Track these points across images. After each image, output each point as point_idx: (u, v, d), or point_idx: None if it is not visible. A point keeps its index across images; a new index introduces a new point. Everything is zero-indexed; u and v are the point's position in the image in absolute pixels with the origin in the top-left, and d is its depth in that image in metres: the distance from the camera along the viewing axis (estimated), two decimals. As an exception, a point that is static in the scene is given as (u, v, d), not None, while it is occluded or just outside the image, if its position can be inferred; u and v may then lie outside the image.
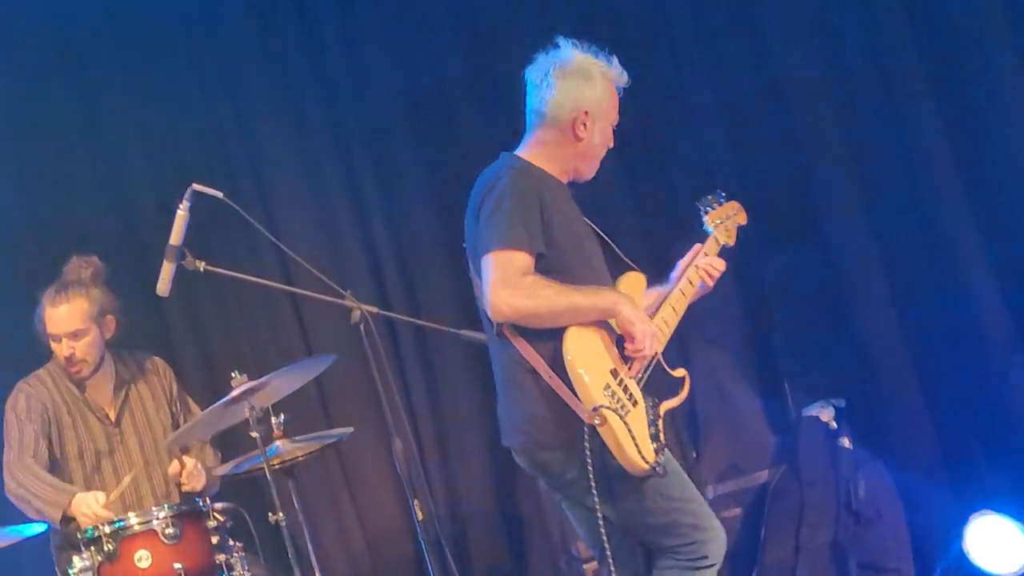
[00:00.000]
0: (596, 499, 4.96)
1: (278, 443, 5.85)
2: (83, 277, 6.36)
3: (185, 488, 6.34)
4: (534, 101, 5.26)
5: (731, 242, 5.71)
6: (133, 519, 5.83)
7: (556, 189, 5.19)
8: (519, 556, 7.55)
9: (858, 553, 6.92)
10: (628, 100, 5.34)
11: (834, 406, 7.12)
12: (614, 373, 5.05)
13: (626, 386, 5.06)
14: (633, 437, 4.93)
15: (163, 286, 5.59)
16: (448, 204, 7.58)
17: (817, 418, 7.10)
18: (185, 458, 6.39)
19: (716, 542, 5.14)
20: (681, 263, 5.53)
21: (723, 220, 5.71)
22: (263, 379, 5.75)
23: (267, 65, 7.64)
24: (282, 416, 5.88)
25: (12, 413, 6.35)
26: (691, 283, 5.47)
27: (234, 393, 5.72)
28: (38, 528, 5.92)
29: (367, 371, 5.62)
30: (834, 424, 7.07)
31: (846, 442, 7.04)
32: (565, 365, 4.96)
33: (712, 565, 5.13)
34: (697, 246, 5.56)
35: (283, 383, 5.89)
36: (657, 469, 4.98)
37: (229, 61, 7.60)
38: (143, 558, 5.77)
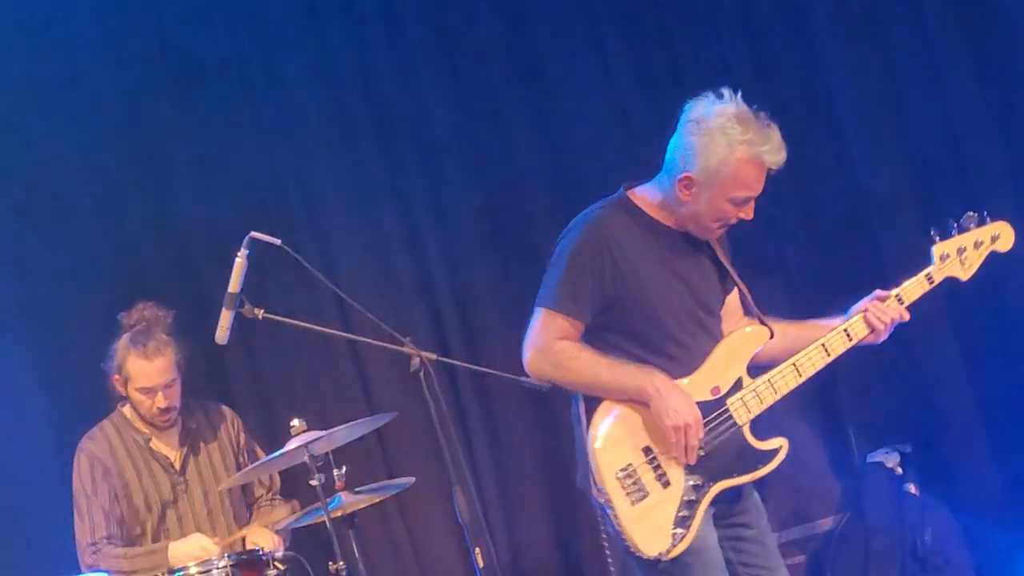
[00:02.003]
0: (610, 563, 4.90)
1: (340, 495, 5.81)
2: (162, 324, 6.35)
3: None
4: (670, 140, 5.03)
5: (964, 276, 5.35)
6: (193, 568, 5.80)
7: (650, 240, 5.01)
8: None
9: (925, 601, 6.84)
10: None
11: (899, 452, 7.03)
12: (647, 451, 4.91)
13: (659, 465, 4.91)
14: (630, 530, 4.82)
15: (221, 334, 5.57)
16: (507, 248, 7.57)
17: (882, 464, 7.02)
18: (256, 535, 6.35)
19: None
20: (859, 304, 5.25)
21: (958, 251, 5.32)
22: (323, 433, 5.71)
23: (324, 110, 7.63)
24: (344, 468, 5.83)
25: (79, 483, 6.34)
26: (848, 338, 5.17)
27: (292, 445, 5.69)
28: (98, 576, 5.91)
29: (427, 419, 5.58)
30: (899, 470, 6.99)
31: (912, 488, 6.95)
32: (587, 437, 4.91)
33: None
34: (877, 293, 5.25)
35: (343, 434, 5.86)
36: (660, 563, 4.84)
37: (286, 107, 7.59)
38: (204, 607, 5.73)
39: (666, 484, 4.90)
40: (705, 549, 4.94)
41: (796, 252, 7.61)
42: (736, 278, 5.17)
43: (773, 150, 4.89)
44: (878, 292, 5.25)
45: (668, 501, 4.89)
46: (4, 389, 6.92)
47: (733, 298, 5.23)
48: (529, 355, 4.99)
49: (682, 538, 4.86)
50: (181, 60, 7.48)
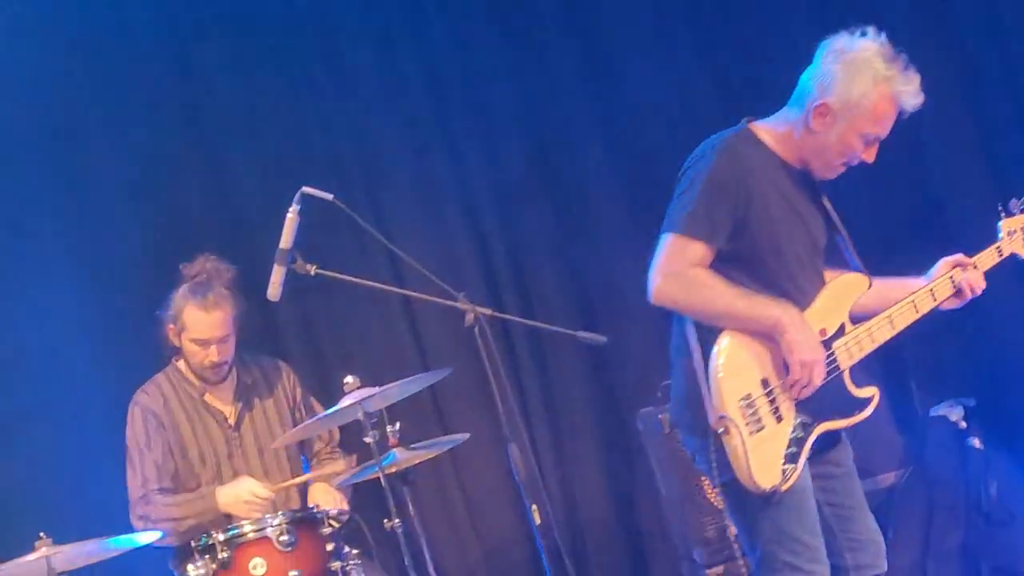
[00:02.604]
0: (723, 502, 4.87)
1: (394, 451, 5.77)
2: (222, 278, 6.32)
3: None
4: (804, 73, 4.97)
5: None
6: (247, 526, 5.77)
7: (772, 173, 4.94)
8: (639, 562, 7.44)
9: (990, 556, 6.76)
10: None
11: (963, 405, 6.95)
12: (765, 383, 4.85)
13: (775, 399, 4.86)
14: (749, 458, 4.75)
15: (274, 290, 5.53)
16: (561, 202, 7.51)
17: (945, 418, 6.94)
18: (322, 496, 6.33)
19: None
20: (940, 265, 5.23)
21: (1023, 228, 5.35)
22: (377, 389, 5.67)
23: (376, 65, 7.58)
24: (397, 424, 5.80)
25: (132, 436, 6.34)
26: (932, 297, 5.17)
27: (345, 402, 5.65)
28: (152, 536, 5.88)
29: (481, 374, 5.53)
30: (963, 424, 6.91)
31: (976, 442, 6.87)
32: (710, 362, 4.81)
33: None
34: (959, 257, 5.23)
35: (397, 390, 5.82)
36: (774, 496, 4.80)
37: (337, 60, 7.55)
38: (258, 566, 5.70)
39: (779, 419, 4.86)
40: (802, 490, 4.91)
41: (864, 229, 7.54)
42: (840, 226, 5.11)
43: (913, 93, 4.87)
44: (960, 257, 5.23)
45: (779, 436, 4.86)
46: (59, 344, 6.93)
47: (834, 245, 5.18)
48: (659, 281, 4.86)
49: (792, 474, 4.83)
50: (232, 19, 7.45)
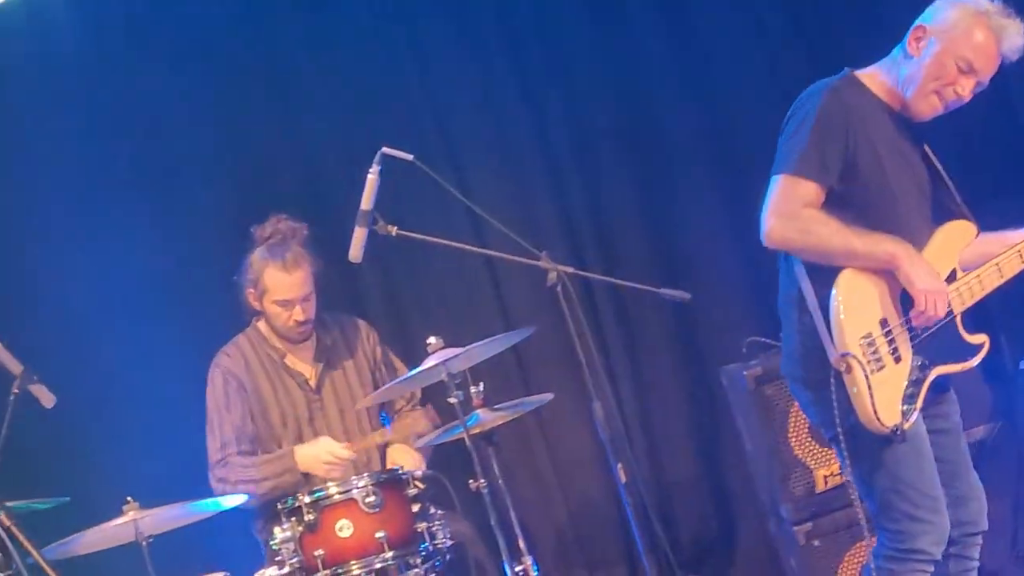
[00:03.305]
0: (843, 451, 4.85)
1: (478, 412, 5.76)
2: (298, 237, 6.31)
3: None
4: None
5: None
6: (333, 488, 5.77)
7: (877, 116, 4.95)
8: (725, 519, 7.40)
9: (1080, 510, 6.67)
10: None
11: (1054, 359, 6.87)
12: (883, 323, 4.87)
13: (893, 339, 4.87)
14: (872, 395, 4.75)
15: (355, 252, 5.53)
16: (642, 158, 7.45)
17: (1035, 370, 6.85)
18: (401, 456, 6.33)
19: (930, 536, 4.91)
20: None
21: None
22: (460, 350, 5.65)
23: (455, 23, 7.53)
24: (481, 385, 5.78)
25: (212, 398, 6.36)
26: None
27: (429, 363, 5.64)
28: (238, 500, 5.90)
29: (565, 334, 5.50)
30: (1054, 377, 6.82)
31: (1066, 395, 6.78)
32: (830, 302, 4.81)
33: (922, 559, 4.92)
34: None
35: (480, 350, 5.80)
36: (896, 434, 4.78)
37: (415, 20, 7.50)
38: (344, 527, 5.70)
39: (898, 359, 4.89)
40: (919, 437, 4.92)
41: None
42: (945, 175, 5.09)
43: (1011, 34, 4.87)
44: None
45: (899, 376, 4.88)
46: (140, 309, 6.96)
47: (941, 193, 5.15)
48: (772, 222, 4.87)
49: (911, 414, 4.85)
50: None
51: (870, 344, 4.82)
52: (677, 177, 7.52)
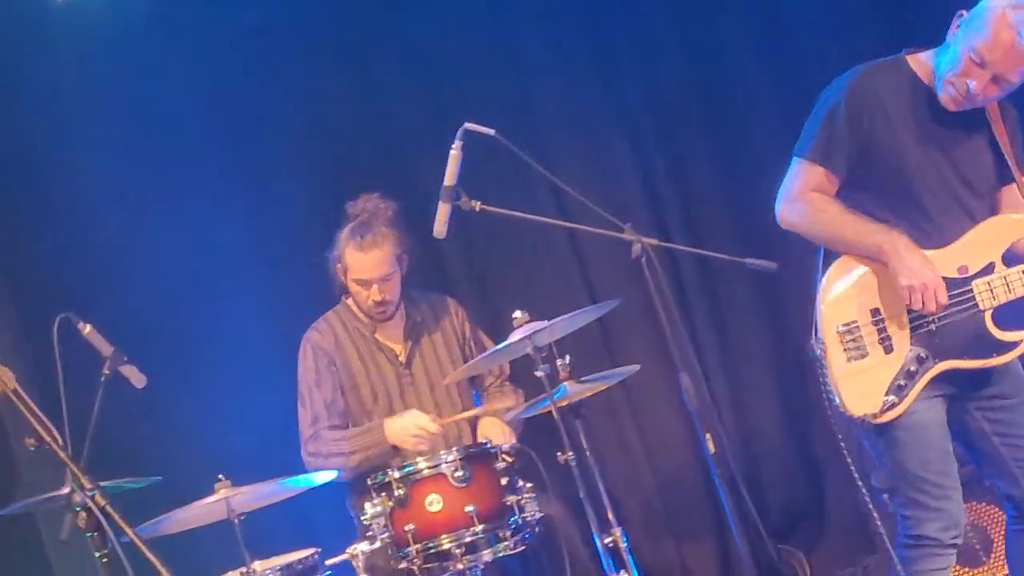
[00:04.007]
0: (835, 427, 5.04)
1: (565, 385, 5.76)
2: (383, 217, 6.34)
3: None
4: None
5: None
6: (422, 463, 5.79)
7: (913, 102, 4.94)
8: (814, 488, 7.37)
9: None
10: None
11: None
12: (875, 313, 4.91)
13: (884, 330, 4.90)
14: (838, 383, 4.86)
15: (439, 227, 5.53)
16: (724, 127, 7.41)
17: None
18: (491, 430, 6.34)
19: (937, 523, 4.96)
20: None
21: None
22: (546, 323, 5.65)
23: (537, -1, 7.51)
24: (567, 357, 5.78)
25: (303, 373, 6.42)
26: None
27: (515, 337, 5.64)
28: (328, 476, 5.94)
29: (650, 305, 5.49)
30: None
31: None
32: (817, 288, 4.95)
33: (931, 545, 4.96)
34: None
35: (566, 323, 5.80)
36: (866, 421, 4.87)
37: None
38: (434, 502, 5.72)
39: (888, 349, 4.92)
40: (920, 426, 4.94)
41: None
42: (1016, 168, 5.03)
43: None
44: None
45: (887, 366, 4.91)
46: (232, 287, 7.03)
47: (1013, 191, 5.08)
48: (780, 205, 5.07)
49: (892, 406, 4.89)
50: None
51: (850, 332, 4.89)
52: (762, 145, 7.46)
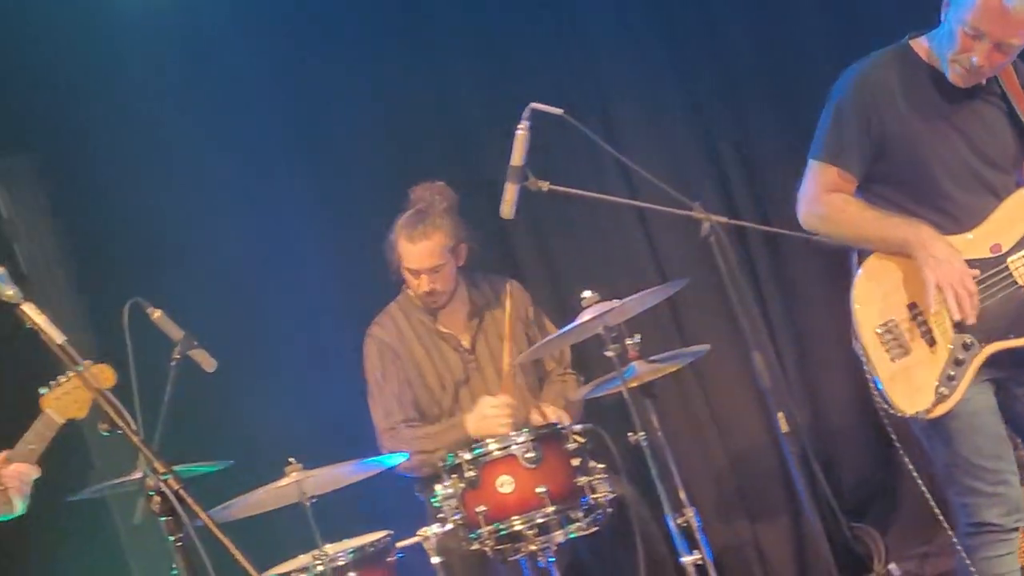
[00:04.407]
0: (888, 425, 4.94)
1: (635, 365, 5.74)
2: (437, 208, 6.33)
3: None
4: None
5: None
6: (492, 445, 5.78)
7: (921, 87, 4.89)
8: (890, 465, 7.29)
9: None
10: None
11: None
12: (912, 307, 4.85)
13: (925, 322, 4.84)
14: (886, 384, 4.82)
15: (507, 208, 5.51)
16: (791, 103, 7.33)
17: None
18: (544, 407, 6.32)
19: (997, 508, 4.91)
20: None
21: None
22: (616, 303, 5.63)
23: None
24: (637, 337, 5.76)
25: (370, 368, 6.44)
26: None
27: (584, 317, 5.61)
28: (400, 457, 5.95)
29: (719, 284, 5.45)
30: None
31: None
32: (850, 292, 4.92)
33: (994, 531, 4.92)
34: None
35: (635, 303, 5.78)
36: (919, 416, 4.82)
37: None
38: (505, 483, 5.71)
39: (931, 342, 4.86)
40: (972, 413, 4.88)
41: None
42: None
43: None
44: None
45: (933, 359, 4.86)
46: (299, 273, 7.06)
47: None
48: (801, 209, 5.04)
49: (945, 398, 4.83)
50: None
51: (889, 331, 4.84)
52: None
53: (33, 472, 4.74)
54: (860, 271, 4.91)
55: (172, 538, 3.97)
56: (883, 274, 4.90)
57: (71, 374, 4.73)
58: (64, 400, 4.81)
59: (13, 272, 4.32)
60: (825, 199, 4.94)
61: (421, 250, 6.30)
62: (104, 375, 4.76)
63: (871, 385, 4.93)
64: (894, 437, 5.01)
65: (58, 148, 7.08)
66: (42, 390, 4.79)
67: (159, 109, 7.06)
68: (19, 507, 4.78)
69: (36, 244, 7.26)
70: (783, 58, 7.41)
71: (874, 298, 4.89)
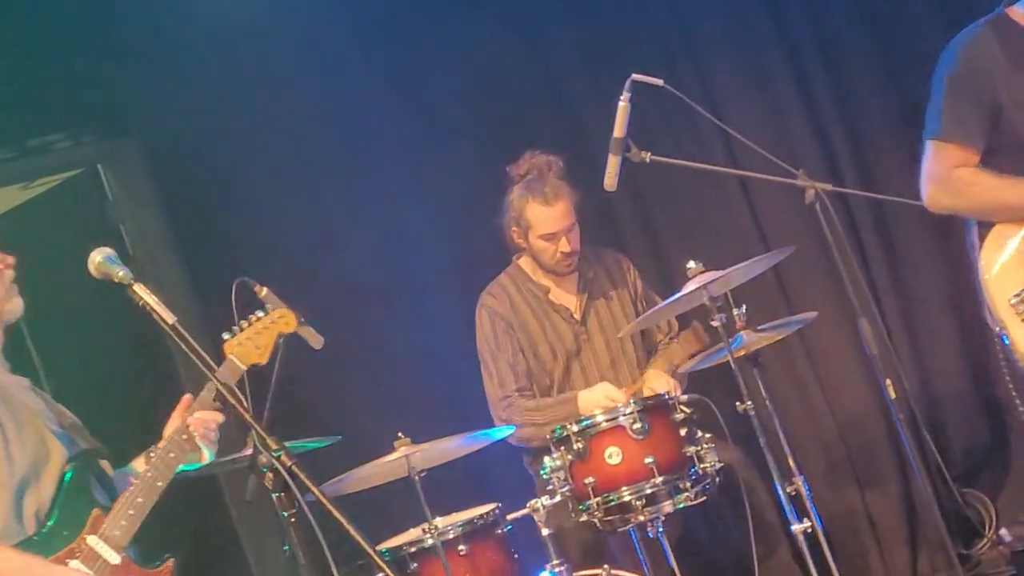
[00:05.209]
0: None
1: (741, 334, 5.72)
2: (555, 170, 6.35)
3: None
4: None
5: None
6: (600, 416, 5.79)
7: (1019, 52, 4.83)
8: (999, 430, 7.23)
9: None
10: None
11: None
12: None
13: None
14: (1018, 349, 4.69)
15: (610, 180, 5.51)
16: (896, 67, 7.26)
17: None
18: (656, 375, 6.31)
19: None
20: None
21: None
22: (721, 273, 5.61)
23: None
24: (744, 307, 5.75)
25: (483, 339, 6.45)
26: None
27: (689, 288, 5.61)
28: (506, 430, 5.96)
29: (825, 252, 5.42)
30: None
31: None
32: (977, 267, 4.83)
33: None
34: None
35: (740, 273, 5.75)
36: None
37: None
38: (613, 454, 5.72)
39: None
40: None
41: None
42: None
43: None
44: None
45: None
46: (406, 251, 7.08)
47: None
48: (928, 189, 4.94)
49: None
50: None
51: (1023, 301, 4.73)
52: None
53: (218, 417, 4.75)
54: (984, 245, 4.84)
55: (286, 514, 4.01)
56: (1011, 244, 4.82)
57: (253, 318, 4.84)
58: (246, 346, 4.84)
59: (121, 253, 4.38)
60: (955, 175, 4.86)
61: (558, 211, 6.30)
62: (287, 319, 4.83)
63: (1001, 353, 4.87)
64: (1018, 402, 4.96)
65: (163, 130, 7.16)
66: (225, 335, 4.82)
67: (261, 87, 7.11)
68: (208, 455, 4.78)
69: (142, 225, 7.35)
70: (884, 23, 7.33)
71: (1005, 269, 4.81)
